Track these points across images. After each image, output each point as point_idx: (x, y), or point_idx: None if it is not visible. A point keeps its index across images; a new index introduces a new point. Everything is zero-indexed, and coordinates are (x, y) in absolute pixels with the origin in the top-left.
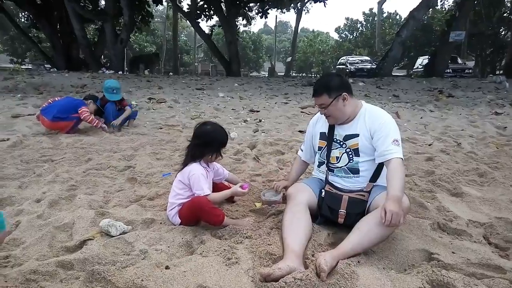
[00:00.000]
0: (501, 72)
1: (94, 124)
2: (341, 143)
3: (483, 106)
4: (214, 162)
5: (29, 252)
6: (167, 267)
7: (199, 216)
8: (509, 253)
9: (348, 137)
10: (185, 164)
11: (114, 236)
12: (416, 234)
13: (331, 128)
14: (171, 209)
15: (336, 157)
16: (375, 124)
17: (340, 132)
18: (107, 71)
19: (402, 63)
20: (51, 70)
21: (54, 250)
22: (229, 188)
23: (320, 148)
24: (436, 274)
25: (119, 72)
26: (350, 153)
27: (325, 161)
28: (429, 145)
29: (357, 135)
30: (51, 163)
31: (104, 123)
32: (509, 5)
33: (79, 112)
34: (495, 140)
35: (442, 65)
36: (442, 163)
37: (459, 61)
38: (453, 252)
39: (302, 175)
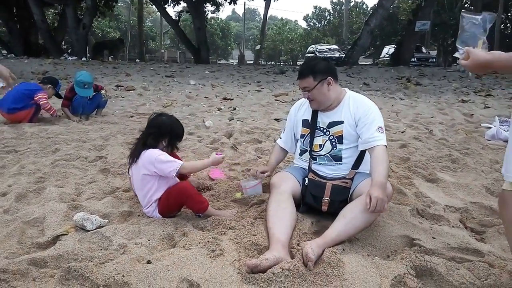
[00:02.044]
0: None
1: (51, 112)
2: (325, 130)
3: (449, 94)
4: None
5: None
6: (149, 262)
7: (184, 203)
8: (485, 237)
9: (332, 124)
10: (135, 155)
11: (89, 231)
12: (397, 220)
13: (314, 115)
14: (148, 207)
15: (319, 144)
16: (360, 111)
17: (323, 120)
18: (69, 58)
19: (368, 52)
20: (9, 56)
21: (24, 247)
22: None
23: (302, 136)
24: (420, 260)
25: (82, 59)
26: (333, 140)
27: (308, 149)
28: (402, 132)
29: (341, 122)
30: (15, 154)
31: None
32: None
33: (35, 98)
34: (463, 127)
35: (408, 54)
36: (416, 149)
37: (424, 50)
38: (433, 237)
39: (281, 163)
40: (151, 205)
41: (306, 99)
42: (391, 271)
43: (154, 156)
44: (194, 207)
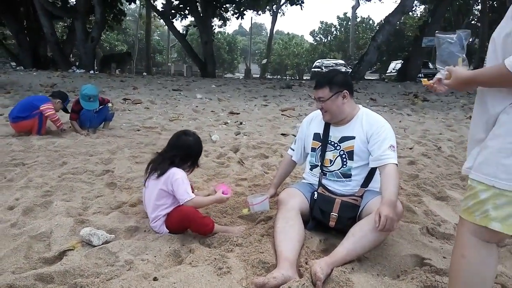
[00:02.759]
0: None
1: (57, 124)
2: (336, 145)
3: (457, 110)
4: None
5: (4, 264)
6: (155, 279)
7: (188, 227)
8: None
9: (344, 139)
10: (161, 172)
11: (96, 246)
12: (407, 239)
13: (326, 129)
14: (156, 221)
15: (330, 160)
16: (373, 128)
17: (335, 134)
18: (77, 70)
19: (375, 67)
20: (18, 68)
21: (31, 262)
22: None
23: (313, 149)
24: (430, 280)
25: (90, 72)
26: (344, 156)
27: (319, 164)
28: (410, 148)
29: (353, 138)
30: (22, 167)
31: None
32: (476, 12)
33: (41, 108)
34: None
35: (415, 70)
36: (424, 166)
37: (431, 66)
38: (444, 257)
39: (288, 179)
40: (159, 219)
41: (320, 109)
42: None
43: (175, 176)
44: (200, 230)
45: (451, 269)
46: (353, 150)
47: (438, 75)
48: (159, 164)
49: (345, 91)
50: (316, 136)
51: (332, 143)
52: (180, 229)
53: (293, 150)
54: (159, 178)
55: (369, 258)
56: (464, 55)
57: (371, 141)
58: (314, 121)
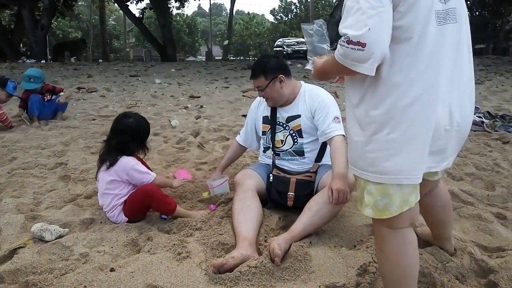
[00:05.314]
0: None
1: (5, 124)
2: (284, 125)
3: None
4: None
5: None
6: (112, 269)
7: (150, 205)
8: None
9: (290, 118)
10: (111, 162)
11: (49, 241)
12: None
13: (274, 111)
14: (113, 211)
15: (281, 140)
16: (315, 103)
17: (282, 114)
18: (28, 60)
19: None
20: None
21: None
22: None
23: (264, 133)
24: None
25: (42, 61)
26: (294, 135)
27: (271, 145)
28: None
29: (298, 116)
30: None
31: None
32: None
33: None
34: None
35: None
36: None
37: None
38: None
39: (249, 160)
40: (116, 208)
41: (262, 97)
42: (357, 261)
43: (129, 165)
44: (161, 208)
45: (378, 265)
46: (301, 129)
47: (307, 66)
48: (107, 155)
49: (281, 75)
50: (265, 119)
51: (281, 123)
52: (141, 211)
53: (242, 135)
54: (109, 169)
55: (326, 231)
56: (328, 45)
57: (315, 117)
58: (261, 105)
